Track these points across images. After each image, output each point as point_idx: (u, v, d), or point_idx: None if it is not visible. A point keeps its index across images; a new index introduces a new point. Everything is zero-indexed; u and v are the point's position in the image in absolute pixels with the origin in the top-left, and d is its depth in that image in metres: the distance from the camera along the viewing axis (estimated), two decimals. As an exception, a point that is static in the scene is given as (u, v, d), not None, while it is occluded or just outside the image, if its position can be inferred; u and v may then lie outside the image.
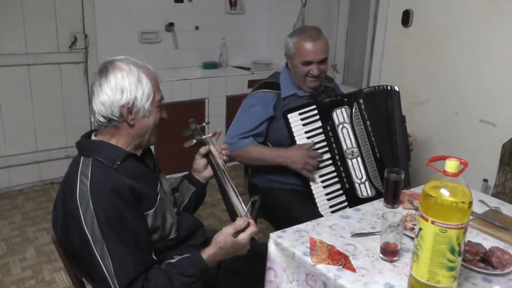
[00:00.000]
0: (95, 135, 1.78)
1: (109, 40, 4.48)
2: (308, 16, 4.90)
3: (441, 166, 1.46)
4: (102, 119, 1.71)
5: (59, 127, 4.34)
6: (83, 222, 1.56)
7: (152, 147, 1.92)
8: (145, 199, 1.70)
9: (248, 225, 1.71)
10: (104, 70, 1.71)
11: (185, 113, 3.69)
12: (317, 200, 2.52)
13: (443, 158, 1.45)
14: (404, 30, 3.71)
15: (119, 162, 1.67)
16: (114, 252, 1.57)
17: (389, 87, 2.66)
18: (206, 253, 1.70)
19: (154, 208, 1.73)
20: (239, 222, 1.70)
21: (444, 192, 1.40)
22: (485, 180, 3.19)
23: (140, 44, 4.70)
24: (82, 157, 1.68)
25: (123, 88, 1.68)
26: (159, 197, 1.77)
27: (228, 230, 1.69)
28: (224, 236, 1.69)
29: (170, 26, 4.82)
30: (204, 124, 2.05)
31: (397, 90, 2.66)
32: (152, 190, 1.77)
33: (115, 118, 1.70)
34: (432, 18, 3.52)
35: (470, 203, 1.41)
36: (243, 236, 1.69)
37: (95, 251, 1.56)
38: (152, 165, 1.89)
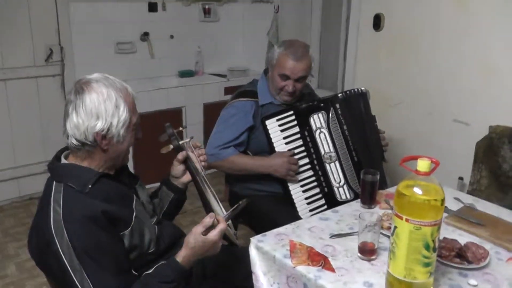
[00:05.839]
0: (66, 156, 1.75)
1: (85, 52, 4.46)
2: (281, 22, 4.95)
3: (414, 166, 1.51)
4: (75, 142, 1.66)
5: (37, 141, 4.30)
6: (60, 250, 1.55)
7: (130, 157, 1.90)
8: (120, 220, 1.68)
9: (218, 222, 1.70)
10: (80, 91, 1.64)
11: (163, 122, 3.68)
12: (297, 204, 2.55)
13: (415, 158, 1.49)
14: (376, 34, 3.77)
15: (90, 186, 1.64)
16: (93, 278, 1.56)
17: (359, 90, 2.71)
18: (180, 256, 1.68)
19: (130, 228, 1.70)
20: (207, 220, 1.68)
21: (417, 191, 1.45)
22: (461, 178, 3.25)
23: (116, 54, 4.70)
24: (54, 182, 1.66)
25: (98, 114, 1.63)
26: (134, 214, 1.75)
27: (197, 229, 1.67)
28: (194, 236, 1.67)
29: (145, 36, 4.82)
30: (181, 128, 2.02)
31: (365, 91, 2.72)
32: (127, 209, 1.75)
33: (89, 143, 1.66)
34: (403, 21, 3.58)
35: (443, 201, 1.45)
36: (214, 233, 1.67)
37: (74, 278, 1.55)
38: (127, 179, 1.89)
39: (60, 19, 4.27)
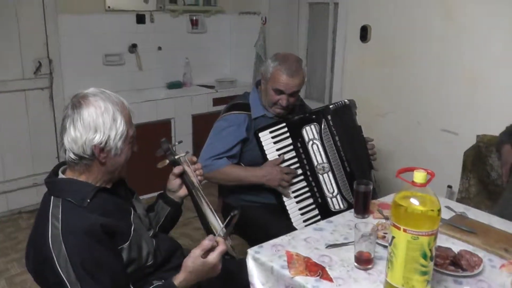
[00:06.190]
0: (63, 171, 1.75)
1: (74, 64, 4.46)
2: (268, 34, 4.99)
3: (409, 177, 1.54)
4: (73, 156, 1.66)
5: (26, 154, 4.26)
6: (57, 265, 1.54)
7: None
8: (119, 234, 1.69)
9: (217, 244, 1.71)
10: (78, 105, 1.66)
11: (153, 134, 3.70)
12: (291, 215, 2.56)
13: (411, 169, 1.53)
14: (363, 45, 3.83)
15: (88, 200, 1.65)
16: None
17: (343, 102, 2.73)
18: (178, 280, 1.69)
19: (128, 241, 1.71)
20: (206, 242, 1.69)
21: (414, 202, 1.48)
22: (449, 187, 3.30)
23: (105, 66, 4.70)
24: (52, 197, 1.66)
25: (96, 127, 1.64)
26: (133, 228, 1.75)
27: (196, 252, 1.68)
28: (193, 259, 1.68)
29: (133, 48, 4.84)
30: (176, 143, 2.05)
31: (348, 103, 2.73)
32: (125, 222, 1.75)
33: (86, 156, 1.66)
34: (390, 32, 3.63)
35: (439, 211, 1.48)
36: (213, 256, 1.69)
37: None
38: (124, 192, 1.90)
39: (48, 32, 4.27)
